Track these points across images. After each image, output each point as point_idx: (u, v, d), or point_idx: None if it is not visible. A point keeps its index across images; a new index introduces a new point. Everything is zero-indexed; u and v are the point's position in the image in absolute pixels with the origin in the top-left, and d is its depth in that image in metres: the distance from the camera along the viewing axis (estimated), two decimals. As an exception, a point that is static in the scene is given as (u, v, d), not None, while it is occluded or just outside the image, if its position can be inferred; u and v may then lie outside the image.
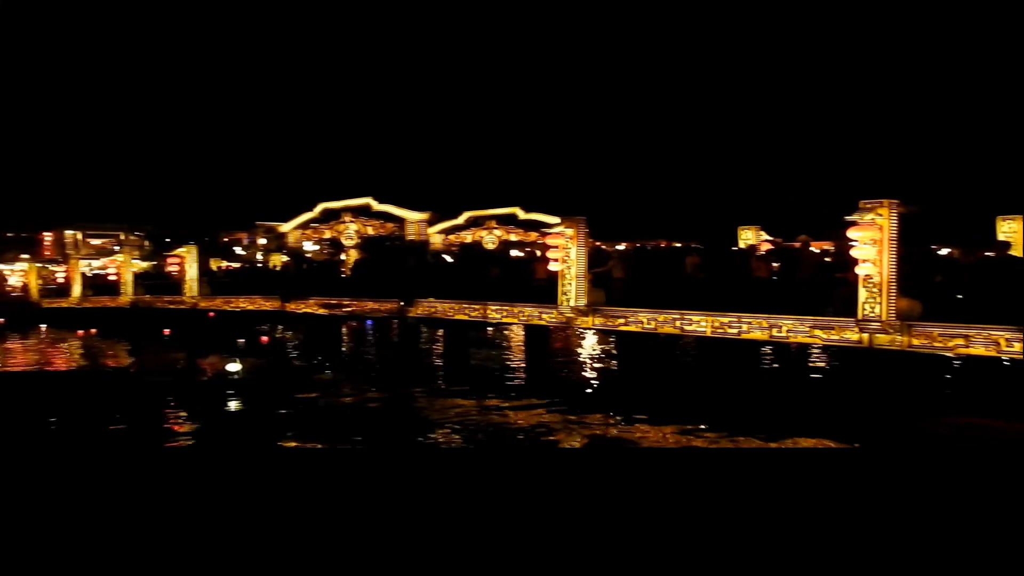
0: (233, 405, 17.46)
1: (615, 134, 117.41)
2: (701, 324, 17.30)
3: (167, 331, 33.05)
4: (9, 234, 54.57)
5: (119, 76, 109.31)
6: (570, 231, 20.68)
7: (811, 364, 20.62)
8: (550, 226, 23.95)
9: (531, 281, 21.23)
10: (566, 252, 20.57)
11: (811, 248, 19.17)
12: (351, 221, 30.46)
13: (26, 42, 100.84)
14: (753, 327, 16.43)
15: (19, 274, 51.54)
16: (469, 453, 12.24)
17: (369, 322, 33.71)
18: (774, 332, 16.21)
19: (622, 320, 19.31)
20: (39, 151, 75.33)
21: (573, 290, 20.37)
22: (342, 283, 31.28)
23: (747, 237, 26.82)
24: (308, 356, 27.27)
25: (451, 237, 47.91)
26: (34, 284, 45.66)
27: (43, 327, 39.15)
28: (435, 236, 36.58)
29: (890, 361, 14.24)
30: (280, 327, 36.44)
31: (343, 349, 30.44)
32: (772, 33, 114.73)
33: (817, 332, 15.56)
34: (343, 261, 36.09)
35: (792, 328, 15.94)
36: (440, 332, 28.63)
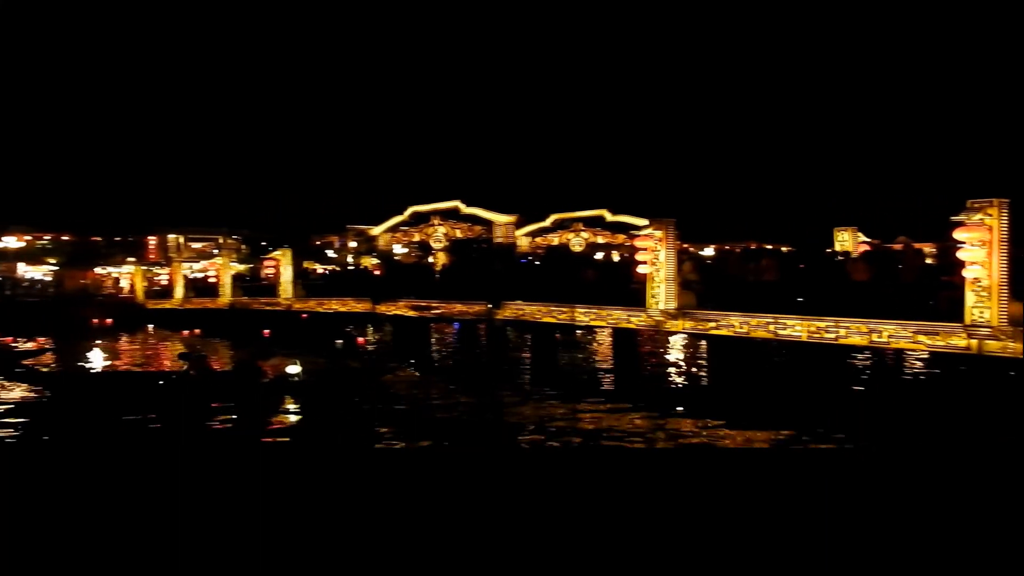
0: (327, 405, 17.89)
1: (706, 133, 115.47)
2: (796, 328, 16.95)
3: (267, 332, 34.24)
4: (117, 238, 57.65)
5: (218, 87, 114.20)
6: (659, 233, 20.58)
7: (914, 372, 19.90)
8: (638, 228, 23.84)
9: (629, 283, 21.11)
10: (655, 254, 20.48)
11: (914, 250, 18.54)
12: (440, 224, 31.09)
13: (125, 53, 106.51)
14: (852, 332, 16.00)
15: (126, 277, 54.55)
16: (556, 455, 12.35)
17: (456, 324, 34.23)
18: (874, 337, 15.74)
19: (713, 324, 19.08)
20: (143, 159, 79.48)
21: (662, 293, 20.26)
22: (431, 285, 31.94)
23: (843, 239, 26.11)
24: (399, 358, 27.84)
25: (538, 240, 48.12)
26: (140, 286, 48.20)
27: (150, 327, 41.09)
28: (522, 239, 36.89)
29: (1001, 369, 13.64)
30: (371, 328, 37.40)
31: (432, 351, 30.97)
32: (874, 24, 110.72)
33: (921, 338, 15.02)
34: (432, 264, 36.83)
35: (894, 333, 15.44)
36: (527, 335, 28.83)
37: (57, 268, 53.07)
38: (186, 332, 37.74)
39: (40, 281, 53.45)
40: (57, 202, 55.57)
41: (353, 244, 62.66)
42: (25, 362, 22.70)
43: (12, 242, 53.34)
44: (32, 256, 54.08)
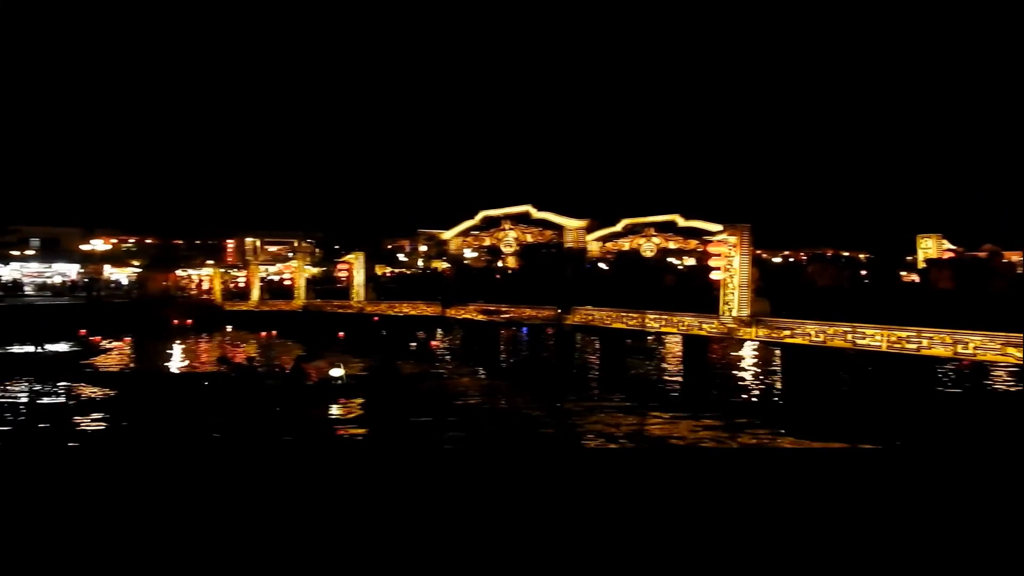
0: (393, 407, 18.19)
1: (784, 135, 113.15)
2: (876, 338, 16.53)
3: (341, 334, 35.02)
4: (197, 241, 59.82)
5: (291, 95, 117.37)
6: (733, 239, 20.35)
7: (1002, 385, 19.17)
8: (712, 233, 23.54)
9: (709, 289, 20.87)
10: (728, 260, 20.26)
11: (1004, 259, 17.86)
12: (511, 228, 31.32)
13: (199, 61, 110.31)
14: (935, 343, 15.54)
15: (205, 279, 56.53)
16: (624, 461, 12.31)
17: (524, 329, 34.40)
18: (959, 349, 15.25)
19: (788, 332, 18.77)
20: (222, 166, 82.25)
21: (736, 300, 20.02)
22: (501, 289, 32.19)
23: (927, 246, 25.26)
24: (467, 361, 28.16)
25: (608, 244, 47.96)
26: (218, 288, 49.88)
27: (228, 328, 42.45)
28: (592, 243, 36.87)
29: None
30: (440, 332, 37.90)
31: (501, 355, 31.21)
32: (965, 14, 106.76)
33: (1011, 351, 14.49)
34: (501, 268, 37.12)
35: (980, 345, 14.93)
36: (597, 340, 28.80)
37: (141, 270, 55.34)
38: (263, 333, 38.77)
39: (125, 282, 55.84)
40: (142, 207, 57.92)
41: (423, 248, 63.58)
42: (84, 362, 23.49)
43: (100, 245, 55.86)
44: (118, 258, 56.52)
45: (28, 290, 51.10)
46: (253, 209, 64.09)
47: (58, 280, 54.63)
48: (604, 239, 46.26)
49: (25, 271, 54.00)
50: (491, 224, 31.73)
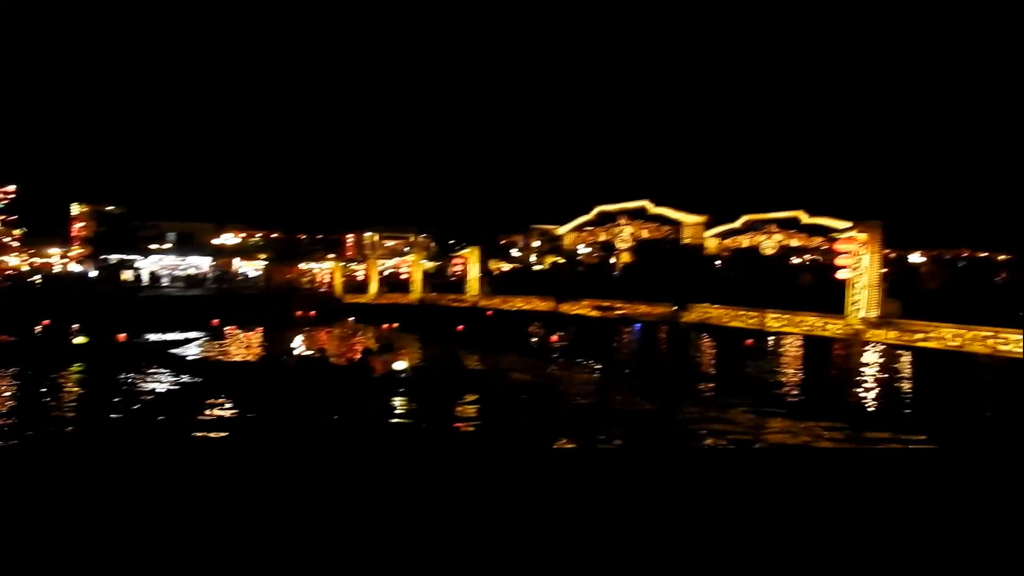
0: (505, 404, 18.37)
1: (917, 129, 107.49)
2: (1020, 344, 15.60)
3: (460, 327, 35.69)
4: (319, 236, 62.38)
5: (407, 94, 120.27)
6: (863, 236, 19.63)
7: None
8: (839, 231, 22.67)
9: (835, 289, 20.22)
10: (857, 259, 19.56)
11: None
12: (626, 224, 31.11)
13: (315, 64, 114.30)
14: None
15: (326, 272, 58.90)
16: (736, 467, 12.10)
17: (637, 326, 34.15)
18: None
19: (921, 335, 17.94)
20: (342, 163, 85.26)
21: (864, 300, 19.31)
22: (615, 286, 32.10)
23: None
24: (580, 357, 28.20)
25: (727, 241, 46.90)
26: (338, 281, 51.89)
27: (350, 320, 43.95)
28: (710, 240, 36.20)
29: None
30: (551, 327, 38.13)
31: (613, 352, 31.11)
32: None
33: None
34: (615, 264, 36.98)
35: None
36: (713, 339, 28.29)
37: (267, 263, 58.17)
38: (385, 326, 39.82)
39: (252, 275, 58.87)
40: (269, 203, 60.85)
41: (536, 243, 64.04)
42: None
43: (230, 239, 59.08)
44: (245, 252, 59.60)
45: (164, 282, 54.70)
46: (372, 205, 66.32)
47: (192, 272, 58.18)
48: (723, 235, 45.25)
49: (162, 264, 57.78)
50: (606, 219, 31.59)
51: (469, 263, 38.96)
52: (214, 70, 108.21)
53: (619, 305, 28.81)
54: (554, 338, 32.07)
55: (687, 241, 29.55)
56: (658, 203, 30.14)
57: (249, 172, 68.05)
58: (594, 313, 29.81)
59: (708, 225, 32.00)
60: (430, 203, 65.94)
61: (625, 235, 30.81)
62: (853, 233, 20.34)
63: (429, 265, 49.59)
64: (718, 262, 37.39)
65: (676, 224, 30.65)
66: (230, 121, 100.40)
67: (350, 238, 64.40)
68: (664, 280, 27.99)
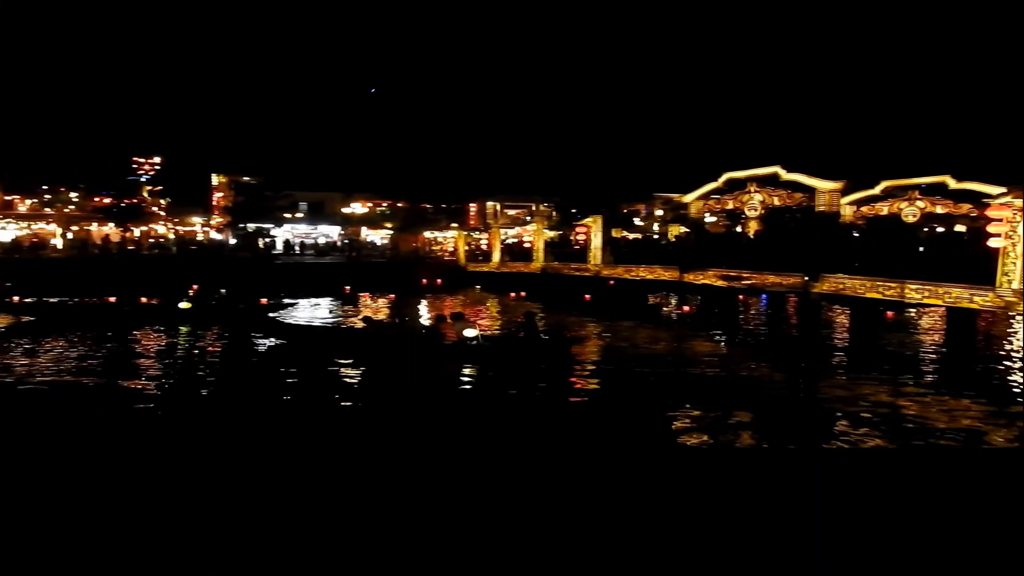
0: (623, 373, 18.23)
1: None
2: None
3: (587, 296, 35.81)
4: (442, 205, 63.55)
5: (534, 63, 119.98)
6: (1018, 202, 18.45)
7: None
8: (991, 197, 21.28)
9: (985, 259, 19.10)
10: (1011, 226, 18.42)
11: None
12: (756, 191, 30.19)
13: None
14: None
15: (450, 241, 60.18)
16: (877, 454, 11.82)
17: (764, 296, 33.29)
18: None
19: (1082, 308, 16.76)
20: (464, 131, 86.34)
21: (1018, 271, 18.19)
22: (742, 255, 31.38)
23: None
24: (706, 328, 27.83)
25: (864, 209, 44.72)
26: (462, 250, 53.00)
27: (477, 288, 44.76)
28: (846, 208, 34.60)
29: None
30: (677, 297, 37.73)
31: (740, 322, 30.53)
32: None
33: None
34: (743, 233, 35.98)
35: None
36: (847, 310, 27.25)
37: (393, 232, 59.95)
38: (512, 295, 40.30)
39: (379, 244, 60.88)
40: (395, 173, 62.44)
41: (659, 212, 63.07)
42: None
43: (358, 208, 61.17)
44: (373, 221, 61.55)
45: (296, 250, 57.40)
46: (494, 174, 66.82)
47: (322, 241, 60.73)
48: (859, 203, 43.19)
49: (295, 232, 60.56)
50: (735, 187, 30.69)
51: (592, 232, 38.99)
52: (342, 45, 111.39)
53: (747, 275, 28.20)
54: (687, 308, 31.55)
55: (822, 208, 28.44)
56: (791, 169, 29.07)
57: (377, 142, 69.90)
58: (720, 283, 29.30)
59: (844, 192, 30.56)
60: (552, 172, 65.80)
61: (755, 202, 29.90)
62: (1008, 199, 19.13)
63: (551, 234, 49.79)
64: (855, 231, 35.73)
65: (810, 191, 29.51)
66: (359, 93, 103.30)
67: (473, 207, 65.34)
68: (796, 249, 27.17)
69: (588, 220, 39.91)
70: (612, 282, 36.60)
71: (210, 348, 21.21)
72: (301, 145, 67.37)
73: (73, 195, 57.62)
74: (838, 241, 27.35)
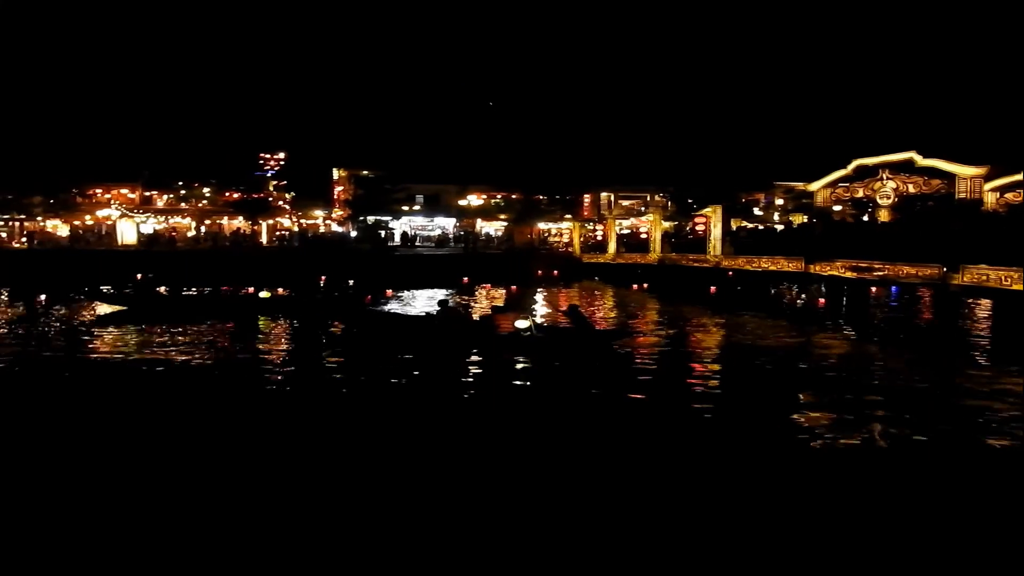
0: (737, 372, 17.85)
1: None
2: None
3: (713, 288, 35.33)
4: (557, 197, 63.80)
5: (648, 54, 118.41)
6: None
7: None
8: None
9: None
10: None
11: None
12: (889, 178, 29.08)
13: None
14: None
15: (565, 232, 60.37)
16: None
17: (895, 288, 31.94)
18: None
19: None
20: (578, 122, 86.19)
21: None
22: (872, 245, 30.25)
23: None
24: (832, 321, 26.97)
25: (1009, 195, 42.19)
26: (577, 241, 53.12)
27: (596, 279, 44.78)
28: (988, 194, 32.73)
29: None
30: (801, 288, 36.67)
31: (870, 316, 29.44)
32: None
33: None
34: (873, 222, 34.65)
35: None
36: (990, 304, 25.86)
37: (508, 224, 60.66)
38: (635, 286, 40.09)
39: (494, 235, 61.71)
40: (510, 164, 63.09)
41: (780, 201, 61.31)
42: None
43: (474, 200, 62.22)
44: (488, 213, 62.45)
45: (416, 242, 58.94)
46: (608, 165, 66.49)
47: (438, 232, 62.07)
48: (1002, 189, 40.82)
49: (412, 224, 62.12)
50: (865, 174, 29.58)
51: (711, 222, 38.39)
52: (455, 40, 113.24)
53: (878, 266, 27.16)
54: (821, 301, 30.55)
55: (962, 196, 27.11)
56: (927, 154, 27.76)
57: (492, 135, 70.79)
58: (848, 274, 28.34)
59: (987, 177, 28.93)
60: (668, 161, 64.79)
61: (887, 190, 28.82)
62: None
63: (667, 224, 49.30)
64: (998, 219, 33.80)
65: (949, 177, 28.17)
66: (473, 87, 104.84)
67: (587, 198, 65.28)
68: (933, 239, 25.98)
69: (707, 210, 39.33)
70: (731, 273, 35.98)
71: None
72: (418, 139, 69.05)
73: (206, 190, 61.07)
74: (980, 230, 25.97)
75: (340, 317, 23.87)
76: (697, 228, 42.03)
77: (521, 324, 17.88)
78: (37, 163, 54.92)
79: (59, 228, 56.68)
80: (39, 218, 56.40)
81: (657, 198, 63.44)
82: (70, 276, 36.94)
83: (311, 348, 19.80)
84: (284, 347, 19.92)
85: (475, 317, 20.45)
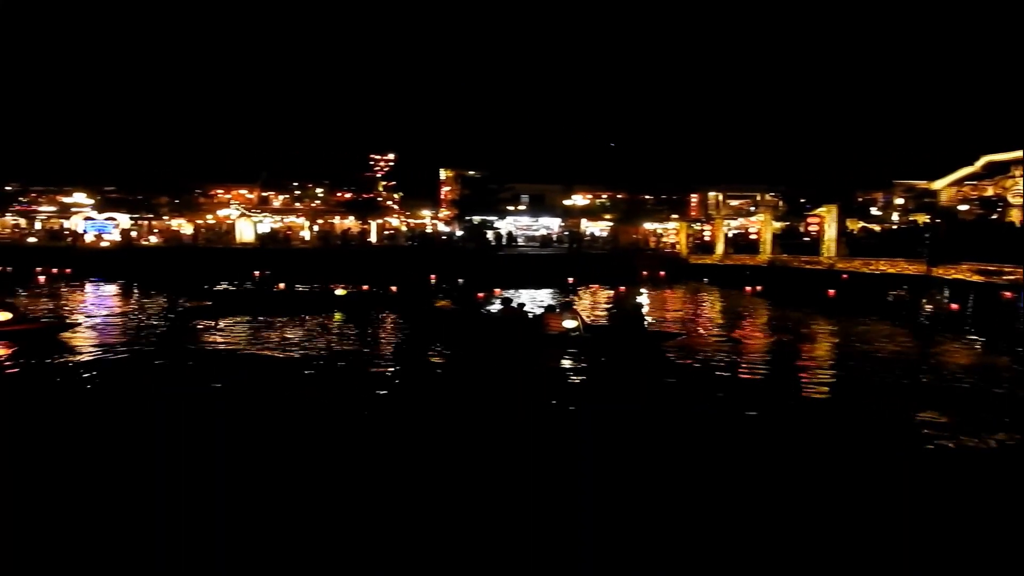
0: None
1: None
2: None
3: (831, 292, 34.02)
4: (663, 196, 63.06)
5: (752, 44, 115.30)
6: None
7: None
8: None
9: None
10: None
11: None
12: (1023, 175, 27.41)
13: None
14: None
15: (671, 232, 59.57)
16: None
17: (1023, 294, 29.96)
18: None
19: None
20: (683, 119, 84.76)
21: None
22: (1003, 247, 28.54)
23: None
24: (958, 327, 25.59)
25: None
26: (683, 241, 52.29)
27: (704, 281, 43.68)
28: None
29: None
30: (923, 292, 34.95)
31: (1000, 322, 27.76)
32: None
33: None
34: (1004, 222, 32.67)
35: None
36: None
37: (613, 224, 60.33)
38: (748, 288, 38.70)
39: (598, 236, 61.47)
40: (616, 163, 62.79)
41: (899, 200, 58.73)
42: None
43: (579, 200, 62.17)
44: (592, 213, 62.29)
45: (520, 241, 59.29)
46: (716, 163, 65.21)
47: (543, 232, 62.28)
48: None
49: (517, 224, 62.56)
50: (995, 171, 27.91)
51: (825, 222, 37.09)
52: (561, 42, 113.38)
53: (1008, 269, 25.62)
54: (953, 306, 28.95)
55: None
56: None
57: (597, 134, 70.59)
58: (976, 278, 26.83)
59: None
60: (779, 160, 62.98)
61: (1020, 188, 27.13)
62: None
63: (778, 225, 47.95)
64: None
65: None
66: (577, 87, 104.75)
67: (694, 198, 64.22)
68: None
69: (821, 210, 38.03)
70: (846, 276, 34.63)
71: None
72: (524, 139, 69.49)
73: (319, 191, 63.25)
74: None
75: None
76: (810, 228, 40.70)
77: (569, 324, 18.28)
78: (163, 165, 58.21)
79: (183, 227, 59.87)
80: (165, 217, 59.75)
81: (767, 197, 61.85)
82: (194, 272, 38.92)
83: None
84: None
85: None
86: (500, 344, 18.75)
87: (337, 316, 25.25)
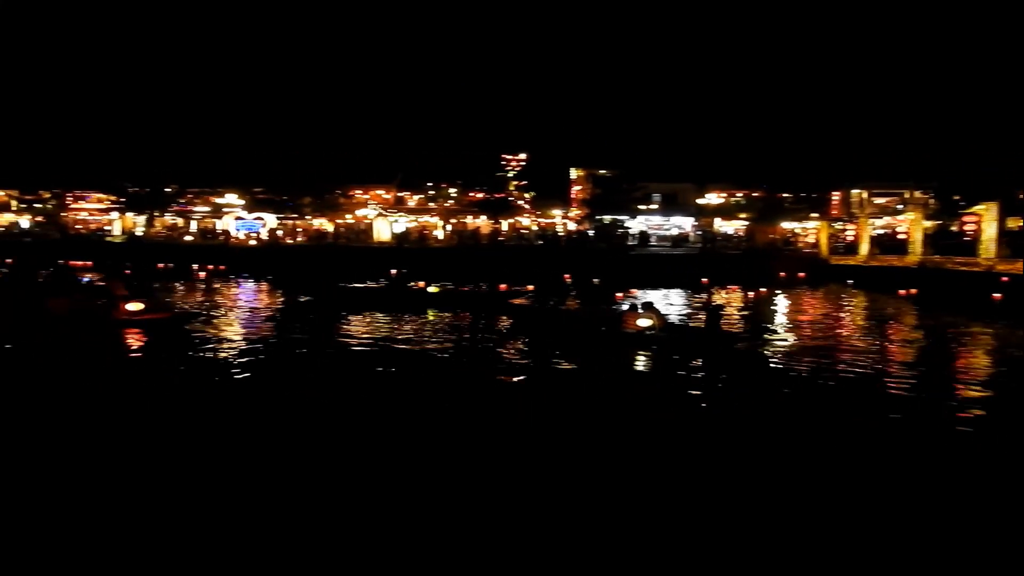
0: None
1: None
2: None
3: (997, 296, 31.47)
4: (802, 194, 60.76)
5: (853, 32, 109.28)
6: None
7: None
8: None
9: None
10: None
11: None
12: None
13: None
14: None
15: (811, 232, 57.42)
16: None
17: None
18: None
19: None
20: (826, 114, 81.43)
21: None
22: None
23: None
24: None
25: None
26: (824, 242, 50.27)
27: (849, 283, 40.94)
28: None
29: None
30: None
31: None
32: None
33: None
34: None
35: None
36: None
37: (749, 223, 58.72)
38: (902, 291, 36.05)
39: (732, 235, 59.97)
40: (752, 161, 61.13)
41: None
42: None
43: (712, 199, 60.91)
44: (727, 211, 60.84)
45: (652, 241, 58.63)
46: (859, 159, 62.22)
47: (675, 232, 61.37)
48: None
49: (648, 223, 61.87)
50: None
51: (983, 221, 34.88)
52: (690, 40, 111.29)
53: None
54: None
55: None
56: None
57: (732, 131, 68.99)
58: None
59: None
60: (930, 154, 59.43)
61: None
62: None
63: (929, 224, 45.37)
64: None
65: None
66: (712, 82, 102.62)
67: (836, 196, 61.51)
68: None
69: (979, 208, 35.79)
70: (1006, 279, 32.38)
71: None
72: (656, 137, 68.69)
73: (452, 191, 64.71)
74: None
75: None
76: (966, 228, 38.33)
77: (644, 323, 18.80)
78: (307, 166, 61.14)
79: (324, 226, 62.64)
80: (308, 216, 62.71)
81: (917, 195, 58.52)
82: (334, 269, 40.57)
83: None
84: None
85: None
86: (579, 342, 19.45)
87: (430, 314, 25.87)
